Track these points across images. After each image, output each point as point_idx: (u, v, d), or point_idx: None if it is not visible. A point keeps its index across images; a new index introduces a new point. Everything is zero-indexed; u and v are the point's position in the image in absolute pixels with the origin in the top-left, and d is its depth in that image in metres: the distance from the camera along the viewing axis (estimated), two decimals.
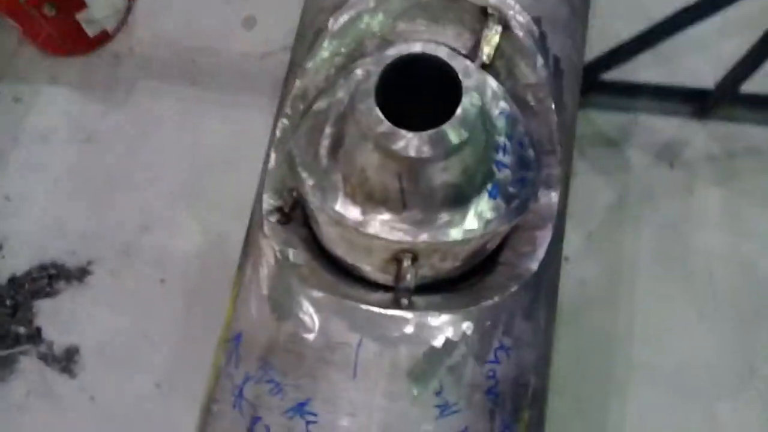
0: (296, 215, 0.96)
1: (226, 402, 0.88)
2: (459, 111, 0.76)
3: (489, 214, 0.81)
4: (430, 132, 0.75)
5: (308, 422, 0.81)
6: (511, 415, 0.85)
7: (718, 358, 1.84)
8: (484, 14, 0.93)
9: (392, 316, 0.83)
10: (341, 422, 0.81)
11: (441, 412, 0.81)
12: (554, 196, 0.91)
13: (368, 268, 0.89)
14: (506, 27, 0.92)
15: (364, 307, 0.83)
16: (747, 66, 1.75)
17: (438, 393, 0.81)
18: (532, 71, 0.92)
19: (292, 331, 0.85)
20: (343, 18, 0.95)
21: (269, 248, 0.90)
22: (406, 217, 0.81)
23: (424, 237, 0.81)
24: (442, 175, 0.78)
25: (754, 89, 1.90)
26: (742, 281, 1.91)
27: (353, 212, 0.82)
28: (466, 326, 0.83)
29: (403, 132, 0.75)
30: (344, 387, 0.82)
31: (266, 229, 0.92)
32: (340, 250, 0.90)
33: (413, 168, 0.77)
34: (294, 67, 1.05)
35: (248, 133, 2.08)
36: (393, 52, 0.80)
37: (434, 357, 0.82)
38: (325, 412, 0.81)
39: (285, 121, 0.97)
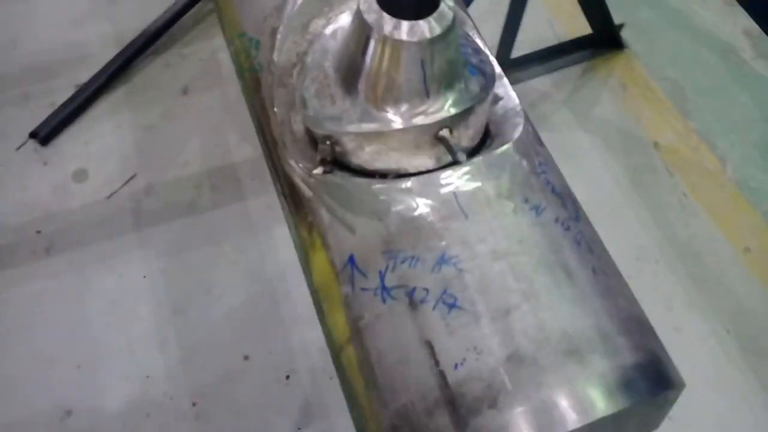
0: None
1: (373, 307, 0.99)
2: (441, 4, 1.00)
3: (479, 85, 1.08)
4: (433, 15, 1.00)
5: (455, 264, 0.98)
6: (573, 203, 1.10)
7: None
8: None
9: (467, 167, 1.05)
10: (479, 248, 0.99)
11: (537, 213, 1.04)
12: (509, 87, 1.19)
13: (413, 167, 1.10)
14: None
15: (442, 173, 1.05)
16: (509, 34, 2.27)
17: (526, 201, 1.04)
18: None
19: (398, 220, 1.02)
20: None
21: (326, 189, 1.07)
22: (430, 103, 1.06)
23: (453, 110, 1.06)
24: (447, 52, 1.03)
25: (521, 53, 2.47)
26: None
27: (394, 119, 1.04)
28: (513, 153, 1.08)
29: (416, 22, 0.99)
30: (464, 227, 1.00)
31: (317, 180, 1.09)
32: (383, 164, 1.10)
33: (432, 49, 1.01)
34: (255, 76, 1.23)
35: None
36: None
37: (511, 179, 1.05)
38: (462, 250, 0.99)
39: (281, 94, 1.16)
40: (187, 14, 2.93)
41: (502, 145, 1.07)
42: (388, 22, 0.99)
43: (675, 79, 2.74)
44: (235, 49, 1.30)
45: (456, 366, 0.89)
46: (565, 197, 1.06)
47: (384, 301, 0.97)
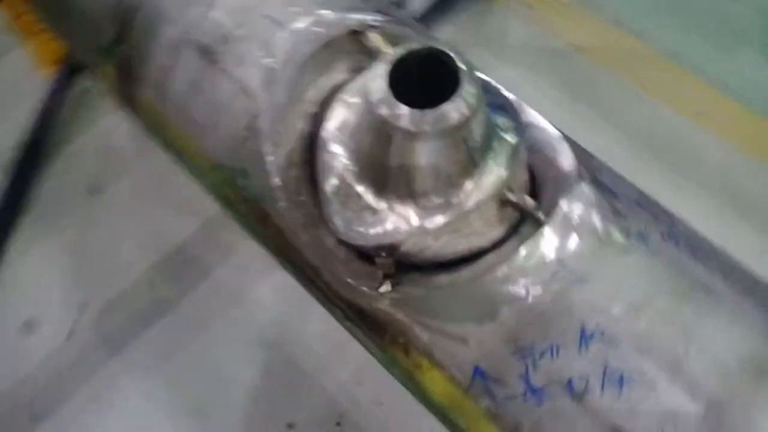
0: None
1: (530, 413, 0.89)
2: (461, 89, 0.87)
3: (509, 125, 0.97)
4: (461, 92, 0.86)
5: (600, 337, 0.88)
6: (656, 205, 1.02)
7: None
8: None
9: (550, 224, 0.94)
10: (615, 309, 0.88)
11: (644, 241, 0.95)
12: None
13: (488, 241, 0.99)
14: None
15: (529, 243, 0.93)
16: None
17: (628, 234, 0.94)
18: None
19: (514, 313, 0.91)
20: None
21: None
22: (479, 173, 0.94)
23: (505, 171, 0.94)
24: (481, 118, 0.91)
25: None
26: None
27: (453, 204, 0.92)
28: (581, 186, 0.98)
29: (446, 107, 0.85)
30: (588, 292, 0.90)
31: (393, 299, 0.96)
32: (453, 251, 0.98)
33: (469, 125, 0.88)
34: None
35: None
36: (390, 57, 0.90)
37: (600, 217, 0.95)
38: (600, 318, 0.88)
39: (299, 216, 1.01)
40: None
41: (564, 182, 0.96)
42: (409, 115, 0.86)
43: None
44: (212, 183, 1.13)
45: None
46: (650, 204, 0.98)
47: (540, 404, 0.87)
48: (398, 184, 0.94)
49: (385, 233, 0.95)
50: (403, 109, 0.86)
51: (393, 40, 1.08)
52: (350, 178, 0.98)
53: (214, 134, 1.08)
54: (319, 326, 2.10)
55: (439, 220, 0.93)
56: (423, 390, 1.00)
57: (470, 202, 0.92)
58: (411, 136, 0.87)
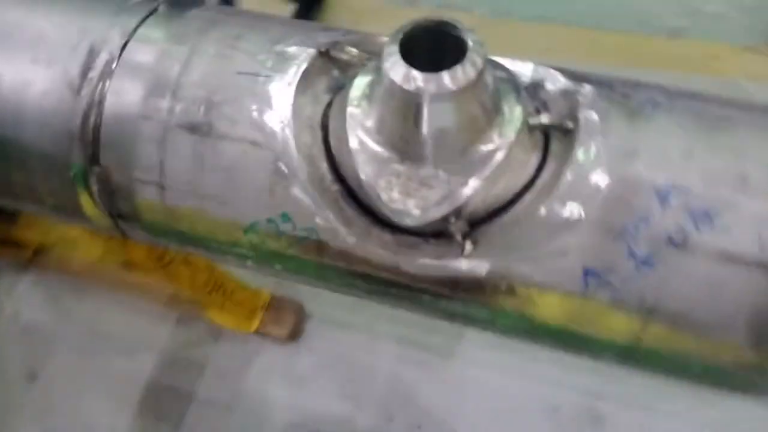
0: None
1: (648, 282, 0.99)
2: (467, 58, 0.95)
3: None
4: (470, 48, 0.96)
5: (674, 194, 0.99)
6: (621, 81, 1.15)
7: None
8: None
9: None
10: (676, 160, 1.01)
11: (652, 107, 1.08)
12: None
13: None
14: None
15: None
16: None
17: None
18: None
19: (596, 208, 1.00)
20: None
21: None
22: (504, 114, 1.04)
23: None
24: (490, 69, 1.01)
25: None
26: None
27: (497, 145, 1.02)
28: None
29: (459, 64, 0.94)
30: (639, 161, 1.02)
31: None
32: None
33: (483, 78, 0.97)
34: None
35: None
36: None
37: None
38: (666, 176, 1.00)
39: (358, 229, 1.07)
40: None
41: (566, 93, 1.08)
42: (436, 80, 0.93)
43: None
44: (251, 247, 1.13)
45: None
46: (639, 83, 1.11)
47: (654, 268, 0.97)
48: (438, 149, 1.01)
49: (449, 199, 1.01)
50: (430, 77, 0.93)
51: (359, 50, 1.15)
52: (386, 164, 1.03)
53: (237, 198, 1.09)
54: None
55: (494, 162, 1.00)
56: (539, 323, 1.06)
57: (510, 136, 1.00)
58: (446, 96, 0.94)
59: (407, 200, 1.03)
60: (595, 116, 1.02)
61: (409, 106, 0.96)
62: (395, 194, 1.04)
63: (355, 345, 2.36)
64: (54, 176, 1.20)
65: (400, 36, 0.95)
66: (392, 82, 0.94)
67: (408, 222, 1.03)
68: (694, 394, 2.23)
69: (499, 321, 1.09)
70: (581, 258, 0.99)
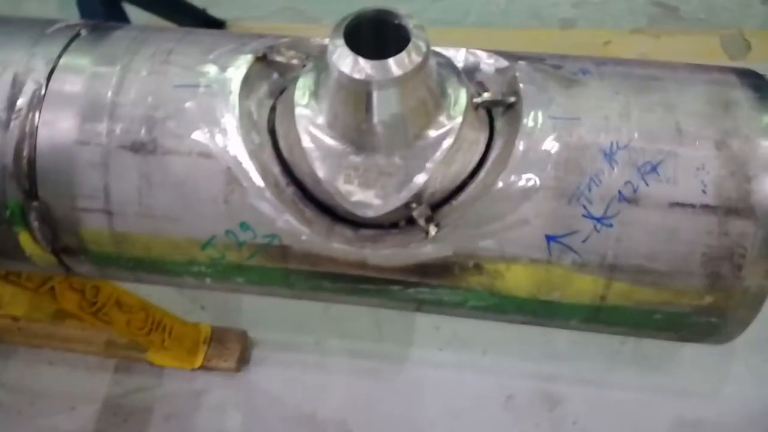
0: None
1: (608, 238, 1.03)
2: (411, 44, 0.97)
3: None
4: (413, 34, 0.98)
5: (618, 149, 1.04)
6: (548, 56, 1.20)
7: None
8: None
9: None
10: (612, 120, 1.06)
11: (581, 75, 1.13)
12: None
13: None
14: None
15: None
16: None
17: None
18: None
19: (549, 173, 1.04)
20: None
21: None
22: (447, 101, 1.07)
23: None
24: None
25: None
26: None
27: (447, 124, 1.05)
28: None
29: (405, 51, 0.96)
30: (582, 125, 1.07)
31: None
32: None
33: (428, 64, 1.00)
34: None
35: None
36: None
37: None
38: (603, 138, 1.05)
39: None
40: None
41: (503, 70, 1.12)
42: (380, 66, 0.95)
43: None
44: (210, 263, 1.11)
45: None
46: (565, 56, 1.16)
47: (611, 225, 1.01)
48: (392, 136, 1.02)
49: (408, 185, 1.03)
50: (377, 64, 0.95)
51: (293, 52, 1.15)
52: (342, 158, 1.04)
53: (191, 214, 1.07)
54: None
55: (446, 144, 1.03)
56: (508, 297, 1.08)
57: (458, 118, 1.03)
58: (395, 82, 0.95)
59: (367, 192, 1.03)
60: (534, 88, 1.06)
61: (359, 95, 0.97)
62: (355, 187, 1.04)
63: (305, 365, 2.33)
64: None
65: (344, 28, 0.96)
66: (341, 74, 0.95)
67: (370, 213, 1.04)
68: (641, 361, 2.33)
69: (469, 301, 1.11)
70: (542, 225, 1.02)
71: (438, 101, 1.02)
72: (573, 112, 1.04)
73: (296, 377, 2.34)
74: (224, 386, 2.34)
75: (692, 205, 0.99)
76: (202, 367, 2.33)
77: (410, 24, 0.97)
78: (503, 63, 1.11)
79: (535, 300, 1.08)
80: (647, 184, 1.00)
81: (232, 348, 2.39)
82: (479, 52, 1.15)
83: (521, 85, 1.07)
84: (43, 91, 1.09)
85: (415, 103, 0.99)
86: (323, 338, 2.38)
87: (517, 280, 1.06)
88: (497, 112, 1.10)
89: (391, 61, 0.94)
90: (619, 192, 1.00)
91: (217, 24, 2.83)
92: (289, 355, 2.38)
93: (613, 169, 1.01)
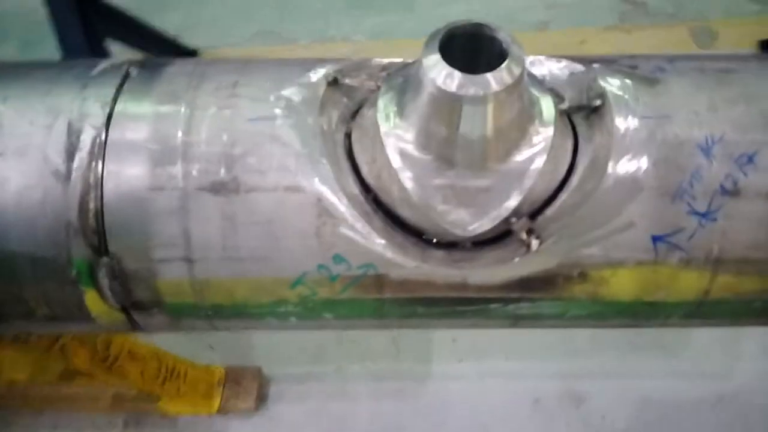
0: None
1: (712, 233, 1.02)
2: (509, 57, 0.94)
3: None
4: (510, 52, 0.94)
5: (708, 144, 1.04)
6: (624, 58, 1.20)
7: None
8: None
9: None
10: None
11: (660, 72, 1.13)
12: None
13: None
14: None
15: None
16: None
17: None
18: None
19: (650, 174, 1.03)
20: None
21: None
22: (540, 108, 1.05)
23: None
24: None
25: None
26: None
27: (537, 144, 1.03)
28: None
29: (501, 67, 0.93)
30: (674, 122, 1.06)
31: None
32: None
33: (522, 81, 0.97)
34: None
35: None
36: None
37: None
38: (689, 120, 1.05)
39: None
40: None
41: (582, 74, 1.11)
42: (482, 81, 0.92)
43: None
44: (299, 301, 1.06)
45: None
46: (634, 56, 1.15)
47: (715, 219, 1.01)
48: (487, 152, 0.99)
49: (507, 200, 1.00)
50: (480, 79, 0.92)
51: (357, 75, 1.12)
52: (435, 177, 1.00)
53: (280, 252, 1.01)
54: None
55: (541, 156, 1.00)
56: (611, 302, 1.06)
57: (549, 127, 1.01)
58: (496, 97, 0.93)
59: (464, 210, 1.00)
60: (618, 90, 1.04)
61: (456, 111, 0.94)
62: (451, 207, 1.01)
63: (326, 394, 2.25)
64: (49, 280, 1.04)
65: (438, 42, 0.93)
66: (439, 89, 0.92)
67: (470, 232, 1.00)
68: (658, 349, 2.36)
69: (570, 311, 1.09)
70: (647, 226, 1.00)
71: (531, 113, 1.00)
72: (662, 110, 1.03)
73: (318, 408, 2.27)
74: (245, 427, 2.24)
75: None
76: (220, 411, 2.22)
77: (506, 37, 0.94)
78: (578, 68, 1.10)
79: (638, 302, 1.07)
80: (746, 175, 0.99)
81: (248, 387, 2.30)
82: (544, 59, 1.14)
83: (604, 87, 1.05)
84: (103, 137, 1.01)
85: (512, 117, 0.97)
86: (342, 365, 2.32)
87: (622, 284, 1.04)
88: (578, 117, 1.08)
89: (489, 75, 0.91)
90: (721, 185, 0.99)
91: (189, 53, 2.74)
92: (308, 386, 2.31)
93: (712, 163, 1.00)
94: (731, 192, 1.00)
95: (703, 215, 1.00)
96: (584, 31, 2.84)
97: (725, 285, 1.05)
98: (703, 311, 1.09)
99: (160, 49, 2.58)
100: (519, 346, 2.38)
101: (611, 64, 1.10)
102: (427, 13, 2.85)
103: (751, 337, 2.40)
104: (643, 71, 1.08)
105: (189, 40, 2.77)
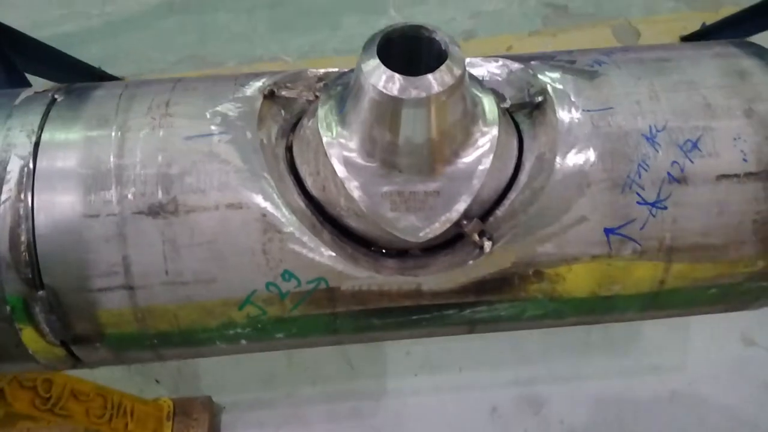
0: None
1: (662, 220, 1.02)
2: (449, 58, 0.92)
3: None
4: (450, 52, 0.92)
5: (664, 130, 1.04)
6: (563, 53, 1.20)
7: None
8: None
9: None
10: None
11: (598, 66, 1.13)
12: None
13: None
14: None
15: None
16: None
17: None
18: None
19: (597, 165, 1.02)
20: None
21: None
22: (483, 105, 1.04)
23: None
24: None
25: None
26: None
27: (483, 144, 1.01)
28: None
29: (442, 66, 0.90)
30: (617, 113, 1.07)
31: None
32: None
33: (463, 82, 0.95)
34: None
35: None
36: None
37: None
38: (640, 123, 1.06)
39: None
40: None
41: (523, 71, 1.11)
42: (423, 83, 0.90)
43: None
44: (248, 318, 1.02)
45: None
46: (570, 52, 1.16)
47: (665, 207, 1.01)
48: (433, 154, 0.97)
49: (457, 202, 0.98)
50: (419, 81, 0.90)
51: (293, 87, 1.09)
52: (382, 184, 0.98)
53: (227, 272, 0.97)
54: None
55: (488, 156, 0.99)
56: (568, 299, 1.05)
57: (494, 127, 1.00)
58: (438, 97, 0.91)
59: (414, 215, 0.98)
60: (559, 85, 1.04)
61: (399, 114, 0.91)
62: (401, 213, 0.98)
63: (280, 420, 2.19)
64: None
65: (376, 46, 0.91)
66: (381, 94, 0.89)
67: (421, 238, 0.98)
68: (609, 348, 2.38)
69: (527, 312, 1.07)
70: (599, 219, 1.00)
71: (474, 113, 0.99)
72: (604, 103, 1.03)
73: None
74: None
75: (737, 175, 1.00)
76: None
77: (445, 38, 0.93)
78: (515, 66, 1.09)
79: (595, 298, 1.06)
80: (692, 162, 1.00)
81: (199, 418, 2.22)
82: (480, 60, 1.13)
83: (545, 83, 1.05)
84: (31, 167, 0.96)
85: (455, 118, 0.95)
86: (294, 389, 2.26)
87: (578, 280, 1.04)
88: (521, 115, 1.07)
89: (430, 77, 0.90)
90: (668, 173, 1.00)
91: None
92: (262, 413, 2.25)
93: (658, 151, 1.00)
94: (679, 179, 1.00)
95: (653, 204, 1.00)
96: (510, 37, 2.87)
97: (680, 273, 1.05)
98: (659, 302, 1.09)
99: (86, 80, 2.49)
100: (473, 356, 2.37)
101: (549, 60, 1.10)
102: (353, 30, 2.84)
103: (700, 329, 2.44)
104: (581, 65, 1.08)
105: (112, 70, 2.68)
